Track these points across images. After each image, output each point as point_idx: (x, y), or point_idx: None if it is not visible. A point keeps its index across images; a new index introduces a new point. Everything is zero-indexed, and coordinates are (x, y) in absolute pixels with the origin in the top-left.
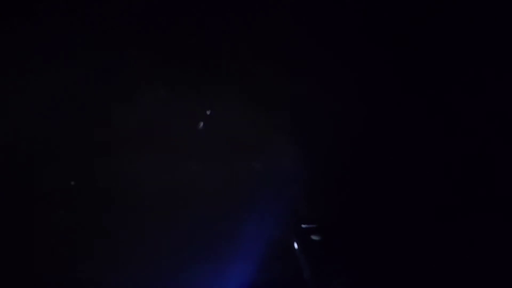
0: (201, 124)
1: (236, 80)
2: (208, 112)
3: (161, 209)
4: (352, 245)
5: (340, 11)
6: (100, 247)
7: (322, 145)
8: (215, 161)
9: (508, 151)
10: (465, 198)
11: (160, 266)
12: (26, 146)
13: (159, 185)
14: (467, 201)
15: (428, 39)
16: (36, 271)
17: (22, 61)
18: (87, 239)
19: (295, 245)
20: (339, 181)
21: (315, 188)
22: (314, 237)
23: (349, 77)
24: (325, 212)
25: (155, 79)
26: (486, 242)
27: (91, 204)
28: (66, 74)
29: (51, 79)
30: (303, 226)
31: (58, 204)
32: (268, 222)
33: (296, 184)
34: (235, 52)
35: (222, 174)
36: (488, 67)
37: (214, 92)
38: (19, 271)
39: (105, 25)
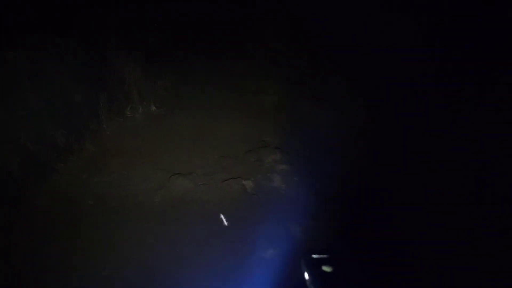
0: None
1: (230, 96)
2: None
3: (154, 224)
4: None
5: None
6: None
7: (317, 164)
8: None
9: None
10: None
11: (151, 279)
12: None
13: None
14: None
15: None
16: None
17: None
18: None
19: (306, 276)
20: (334, 202)
21: (307, 208)
22: (325, 268)
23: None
24: (317, 232)
25: (150, 95)
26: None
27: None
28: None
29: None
30: (313, 256)
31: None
32: (260, 241)
33: (288, 203)
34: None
35: (215, 191)
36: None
37: (208, 107)
38: None
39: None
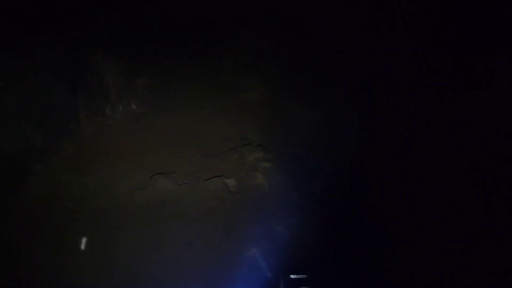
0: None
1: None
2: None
3: (136, 226)
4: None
5: None
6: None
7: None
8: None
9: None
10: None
11: (134, 280)
12: None
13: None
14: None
15: None
16: None
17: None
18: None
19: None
20: (317, 200)
21: (290, 206)
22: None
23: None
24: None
25: (130, 93)
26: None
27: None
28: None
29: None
30: (292, 276)
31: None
32: (243, 240)
33: (271, 201)
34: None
35: (197, 190)
36: None
37: (190, 106)
38: None
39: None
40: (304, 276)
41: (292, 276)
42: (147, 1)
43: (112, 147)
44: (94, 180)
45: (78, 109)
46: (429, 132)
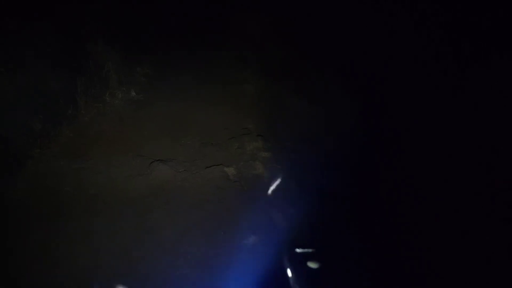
0: None
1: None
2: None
3: (134, 212)
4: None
5: None
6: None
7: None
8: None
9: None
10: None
11: (132, 267)
12: None
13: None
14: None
15: None
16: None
17: None
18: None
19: (289, 274)
20: (316, 189)
21: (289, 195)
22: (311, 264)
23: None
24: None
25: (130, 81)
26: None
27: (60, 208)
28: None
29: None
30: (297, 250)
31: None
32: (242, 227)
33: (269, 190)
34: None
35: (196, 178)
36: None
37: (189, 95)
38: None
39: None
40: (310, 250)
41: (298, 250)
42: None
43: (111, 134)
44: (92, 166)
45: (77, 95)
46: (427, 124)
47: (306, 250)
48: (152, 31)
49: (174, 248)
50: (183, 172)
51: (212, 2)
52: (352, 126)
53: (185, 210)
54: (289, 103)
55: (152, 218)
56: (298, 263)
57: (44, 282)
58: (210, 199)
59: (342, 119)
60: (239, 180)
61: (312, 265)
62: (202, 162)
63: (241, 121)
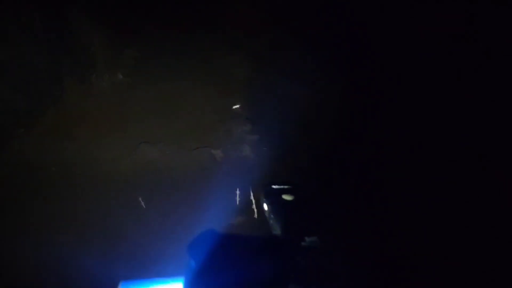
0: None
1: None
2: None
3: (120, 192)
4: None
5: None
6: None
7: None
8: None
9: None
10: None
11: (116, 247)
12: None
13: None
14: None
15: None
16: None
17: None
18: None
19: (265, 207)
20: (302, 171)
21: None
22: (285, 197)
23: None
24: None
25: (117, 63)
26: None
27: (45, 188)
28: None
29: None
30: (274, 187)
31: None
32: (228, 208)
33: (257, 172)
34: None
35: (183, 160)
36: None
37: (177, 78)
38: None
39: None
40: (287, 186)
41: (274, 187)
42: None
43: (97, 115)
44: (78, 146)
45: (62, 75)
46: (419, 110)
47: (281, 186)
48: (140, 13)
49: (160, 228)
50: (170, 154)
51: None
52: (343, 110)
53: (171, 191)
54: (278, 86)
55: (138, 197)
56: (274, 203)
57: (26, 262)
58: (197, 179)
59: (332, 103)
60: (226, 162)
61: (286, 197)
62: (189, 144)
63: (229, 104)
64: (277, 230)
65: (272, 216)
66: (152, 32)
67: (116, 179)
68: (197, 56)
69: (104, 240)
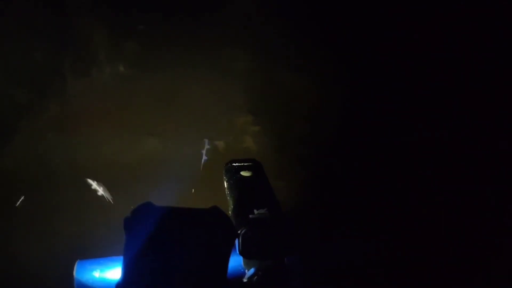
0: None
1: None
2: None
3: (122, 184)
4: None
5: None
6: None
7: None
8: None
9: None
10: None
11: (120, 238)
12: None
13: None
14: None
15: None
16: None
17: None
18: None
19: (224, 184)
20: (304, 162)
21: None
22: (243, 173)
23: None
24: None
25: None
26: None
27: (47, 181)
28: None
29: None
30: (234, 164)
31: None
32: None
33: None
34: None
35: (186, 151)
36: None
37: (179, 70)
38: None
39: None
40: (248, 163)
41: (234, 164)
42: None
43: (99, 108)
44: (80, 139)
45: (64, 69)
46: (422, 103)
47: (243, 164)
48: (142, 6)
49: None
50: (172, 146)
51: None
52: (345, 102)
53: (174, 182)
54: (280, 78)
55: (141, 189)
56: (233, 179)
57: (31, 253)
58: (199, 171)
59: (334, 94)
60: (228, 153)
61: (244, 173)
62: (191, 135)
63: (231, 97)
64: (231, 205)
65: (228, 192)
66: (153, 25)
67: (119, 171)
68: (199, 49)
69: (108, 231)
